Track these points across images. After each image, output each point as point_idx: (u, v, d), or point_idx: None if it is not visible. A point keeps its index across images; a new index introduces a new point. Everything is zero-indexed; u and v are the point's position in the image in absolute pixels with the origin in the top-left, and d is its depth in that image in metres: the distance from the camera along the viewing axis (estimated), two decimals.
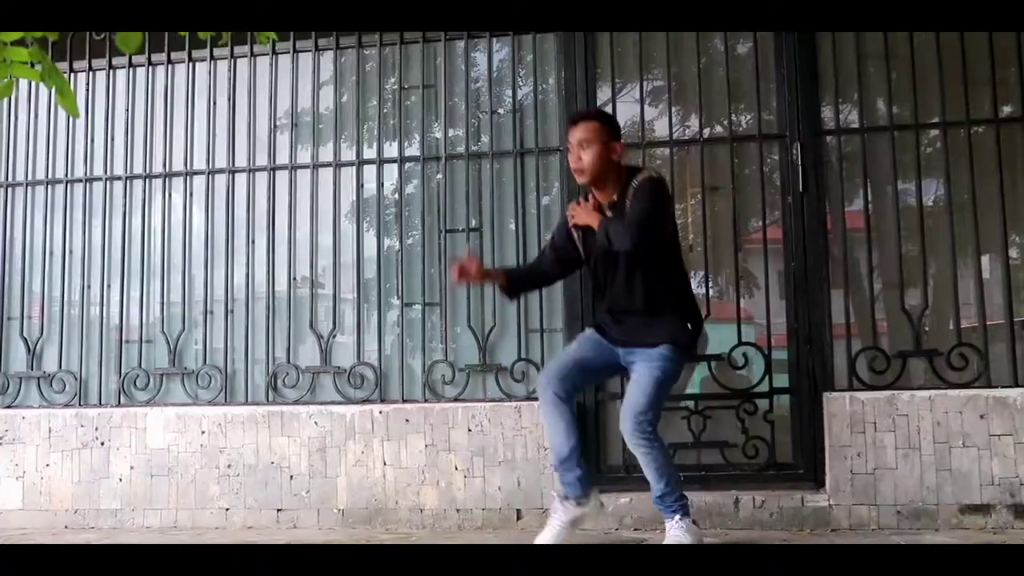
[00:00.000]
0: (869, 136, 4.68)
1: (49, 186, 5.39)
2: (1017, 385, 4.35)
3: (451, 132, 5.08)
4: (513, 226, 4.90)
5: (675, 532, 3.59)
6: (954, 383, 4.39)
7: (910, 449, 4.28)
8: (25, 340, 5.29)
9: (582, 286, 4.63)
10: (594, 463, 4.56)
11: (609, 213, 3.72)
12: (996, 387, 4.34)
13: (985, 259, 4.61)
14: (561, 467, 3.75)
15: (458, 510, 4.59)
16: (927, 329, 4.56)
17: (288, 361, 5.02)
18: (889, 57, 4.66)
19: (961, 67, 4.58)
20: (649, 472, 3.62)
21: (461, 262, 3.89)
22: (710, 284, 4.85)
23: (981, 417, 4.25)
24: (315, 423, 4.77)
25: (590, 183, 3.76)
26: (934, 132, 4.67)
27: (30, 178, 5.42)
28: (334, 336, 5.01)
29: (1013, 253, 4.58)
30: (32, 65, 2.78)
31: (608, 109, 4.86)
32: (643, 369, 3.63)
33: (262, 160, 5.19)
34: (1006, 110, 4.60)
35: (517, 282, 4.08)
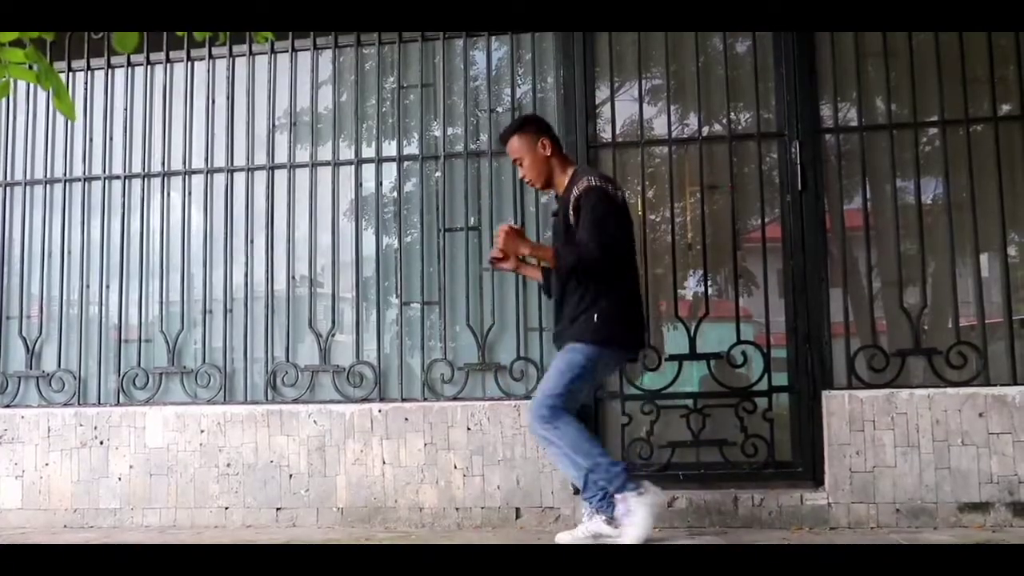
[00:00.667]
0: (868, 134, 4.67)
1: (48, 185, 5.38)
2: (1016, 383, 4.35)
3: (450, 131, 5.08)
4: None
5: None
6: (953, 381, 4.40)
7: (909, 447, 4.28)
8: (24, 339, 5.28)
9: None
10: None
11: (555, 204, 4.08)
12: (995, 385, 4.34)
13: (984, 257, 4.61)
14: (586, 495, 3.94)
15: (457, 509, 4.60)
16: (926, 327, 4.56)
17: (287, 360, 5.02)
18: (888, 55, 4.66)
19: (960, 65, 4.58)
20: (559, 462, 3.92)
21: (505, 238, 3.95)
22: (709, 283, 4.84)
23: (980, 415, 4.25)
24: (314, 422, 4.77)
25: (543, 187, 4.11)
26: (933, 130, 4.67)
27: (29, 177, 5.41)
28: (333, 335, 5.01)
29: (1012, 251, 4.58)
30: (30, 67, 2.77)
31: (607, 108, 4.88)
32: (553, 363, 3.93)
33: (261, 159, 5.18)
34: (1005, 108, 4.60)
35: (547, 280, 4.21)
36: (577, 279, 3.83)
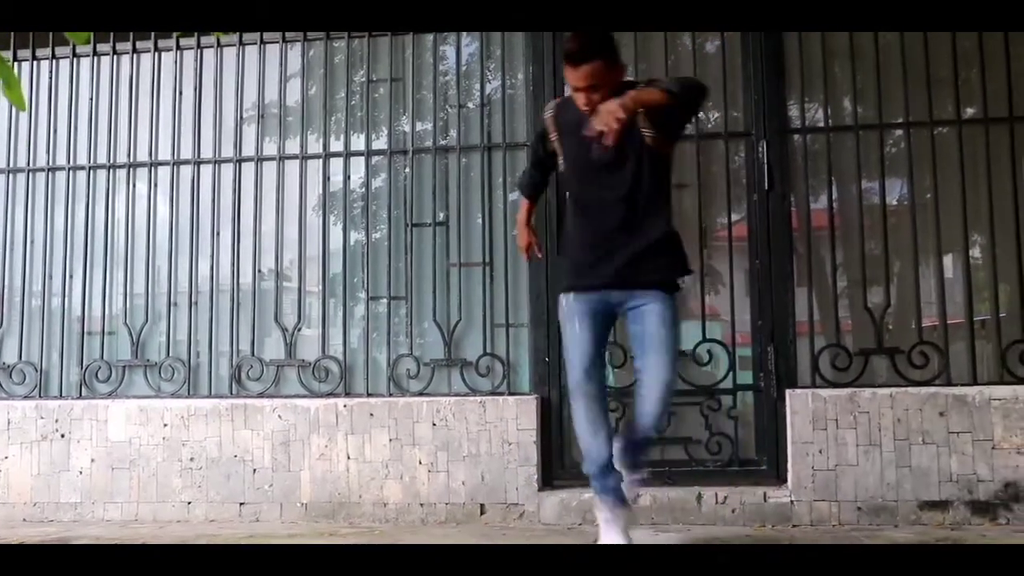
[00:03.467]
0: (834, 135, 4.71)
1: (10, 175, 5.31)
2: (976, 383, 4.40)
3: (419, 126, 5.06)
4: (480, 220, 4.89)
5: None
6: (915, 381, 4.44)
7: (871, 446, 4.32)
8: None
9: (548, 282, 4.64)
10: (558, 458, 4.58)
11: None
12: (956, 385, 4.39)
13: (947, 258, 4.66)
14: (600, 475, 3.48)
15: (422, 504, 4.58)
16: (889, 327, 4.60)
17: (252, 354, 4.98)
18: (855, 57, 4.70)
19: (925, 68, 4.62)
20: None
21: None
22: None
23: (940, 415, 4.29)
24: (279, 416, 4.74)
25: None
26: (898, 132, 4.71)
27: None
28: (299, 329, 4.98)
29: (974, 253, 4.63)
30: None
31: None
32: (657, 321, 3.31)
33: (228, 152, 5.14)
34: (969, 111, 4.65)
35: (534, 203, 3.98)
36: (659, 187, 3.35)
